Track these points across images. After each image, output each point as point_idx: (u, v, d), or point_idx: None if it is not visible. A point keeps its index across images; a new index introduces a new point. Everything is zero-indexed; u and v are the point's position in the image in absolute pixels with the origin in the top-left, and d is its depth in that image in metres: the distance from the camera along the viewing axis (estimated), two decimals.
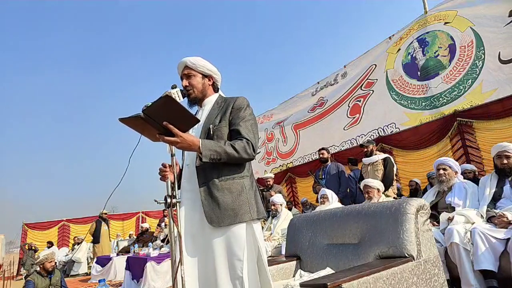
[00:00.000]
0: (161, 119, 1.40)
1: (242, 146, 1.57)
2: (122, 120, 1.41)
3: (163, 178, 1.63)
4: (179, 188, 1.71)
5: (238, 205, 1.57)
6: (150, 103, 1.39)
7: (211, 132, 1.65)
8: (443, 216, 2.86)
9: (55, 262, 4.99)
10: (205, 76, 1.79)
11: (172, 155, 1.62)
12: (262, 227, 4.50)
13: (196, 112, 1.86)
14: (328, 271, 1.94)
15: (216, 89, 1.86)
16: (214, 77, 1.83)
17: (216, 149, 1.53)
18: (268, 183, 6.65)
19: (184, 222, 1.62)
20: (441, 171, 3.29)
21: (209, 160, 1.52)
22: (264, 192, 6.46)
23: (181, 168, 1.80)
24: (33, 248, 11.50)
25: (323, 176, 5.70)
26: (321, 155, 5.82)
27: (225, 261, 1.52)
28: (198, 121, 1.50)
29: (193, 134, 1.74)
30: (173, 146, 1.60)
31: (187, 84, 1.76)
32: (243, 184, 1.62)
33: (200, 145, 1.50)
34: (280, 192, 6.33)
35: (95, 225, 9.10)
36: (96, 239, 9.13)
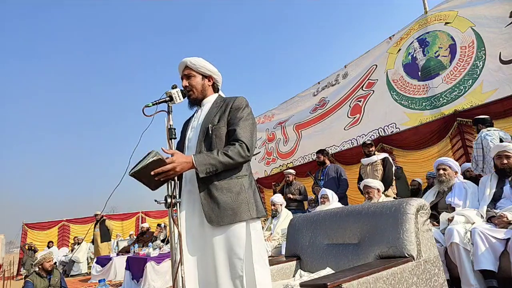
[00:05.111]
0: (148, 174, 1.48)
1: (236, 151, 1.57)
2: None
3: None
4: (179, 189, 1.71)
5: (237, 204, 1.57)
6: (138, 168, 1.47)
7: (210, 132, 1.65)
8: (443, 216, 2.86)
9: (55, 262, 4.98)
10: (205, 76, 1.80)
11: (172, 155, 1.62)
12: (262, 227, 4.49)
13: (196, 112, 1.87)
14: (328, 271, 1.94)
15: (216, 90, 1.88)
16: (214, 77, 1.84)
17: (210, 161, 1.53)
18: (288, 179, 6.38)
19: (184, 222, 1.62)
20: (441, 171, 3.29)
21: (206, 174, 1.53)
22: (284, 189, 6.35)
23: None
24: (32, 248, 11.51)
25: (321, 178, 5.70)
26: (317, 159, 5.85)
27: (225, 260, 1.52)
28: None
29: (192, 133, 1.76)
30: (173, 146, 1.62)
31: (187, 85, 1.78)
32: (242, 183, 1.62)
33: (194, 162, 1.51)
34: (300, 189, 6.15)
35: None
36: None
